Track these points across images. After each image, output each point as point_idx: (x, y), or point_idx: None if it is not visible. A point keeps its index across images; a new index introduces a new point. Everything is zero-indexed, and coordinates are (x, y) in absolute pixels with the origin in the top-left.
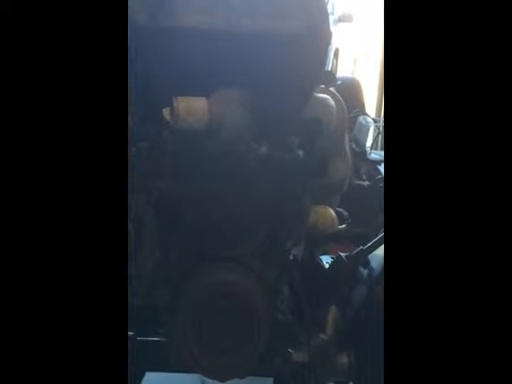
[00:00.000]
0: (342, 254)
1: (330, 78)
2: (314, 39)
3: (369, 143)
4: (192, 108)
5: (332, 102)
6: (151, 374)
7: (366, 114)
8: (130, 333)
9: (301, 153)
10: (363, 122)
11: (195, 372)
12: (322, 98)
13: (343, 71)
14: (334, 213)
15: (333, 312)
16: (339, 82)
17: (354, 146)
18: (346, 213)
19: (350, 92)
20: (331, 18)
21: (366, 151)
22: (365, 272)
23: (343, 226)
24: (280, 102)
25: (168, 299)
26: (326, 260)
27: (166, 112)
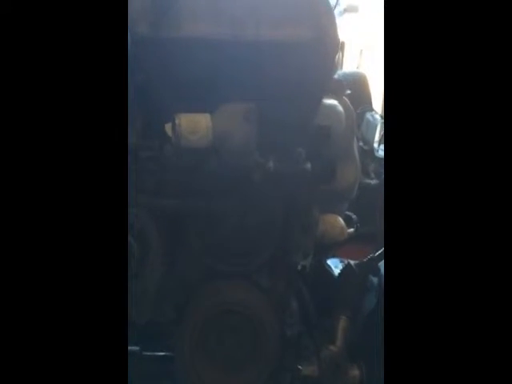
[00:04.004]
0: (352, 262)
1: (339, 86)
2: (321, 47)
3: (376, 139)
4: (195, 126)
5: (340, 108)
6: None
7: (373, 110)
8: (135, 348)
9: (308, 165)
10: (370, 118)
11: None
12: (331, 104)
13: (349, 65)
14: (342, 221)
15: (343, 323)
16: (348, 92)
17: (361, 144)
18: (354, 216)
19: (356, 87)
20: (336, 10)
21: (373, 149)
22: (375, 280)
23: (352, 229)
24: (287, 111)
25: (174, 315)
26: (335, 264)
27: (168, 128)
